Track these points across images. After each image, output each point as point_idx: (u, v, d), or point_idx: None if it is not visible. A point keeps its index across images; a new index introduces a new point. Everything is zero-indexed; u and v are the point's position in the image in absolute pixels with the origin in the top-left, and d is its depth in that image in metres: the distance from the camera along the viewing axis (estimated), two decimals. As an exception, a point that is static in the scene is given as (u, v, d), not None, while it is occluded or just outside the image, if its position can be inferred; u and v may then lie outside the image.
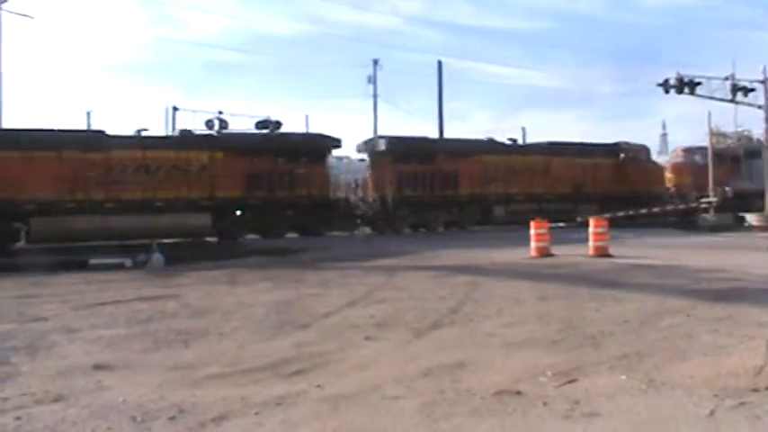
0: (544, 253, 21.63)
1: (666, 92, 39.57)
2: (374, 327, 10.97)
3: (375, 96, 61.63)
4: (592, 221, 22.27)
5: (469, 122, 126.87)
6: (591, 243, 21.61)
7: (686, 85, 39.20)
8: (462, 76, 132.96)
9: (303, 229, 32.21)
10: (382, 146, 36.03)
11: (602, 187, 40.14)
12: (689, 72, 39.86)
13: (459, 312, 12.09)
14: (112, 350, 9.70)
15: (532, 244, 21.98)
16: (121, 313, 12.70)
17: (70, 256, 23.41)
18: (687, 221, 38.17)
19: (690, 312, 11.62)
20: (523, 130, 46.33)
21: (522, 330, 10.50)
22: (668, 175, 45.41)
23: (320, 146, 33.42)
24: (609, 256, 20.93)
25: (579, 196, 39.31)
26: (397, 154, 35.45)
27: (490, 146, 38.93)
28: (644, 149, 43.95)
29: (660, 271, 17.56)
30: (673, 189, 44.17)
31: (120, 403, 7.03)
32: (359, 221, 34.52)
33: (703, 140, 42.78)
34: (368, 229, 34.08)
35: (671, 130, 72.34)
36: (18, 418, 6.62)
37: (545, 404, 6.76)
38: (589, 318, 11.34)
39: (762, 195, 39.96)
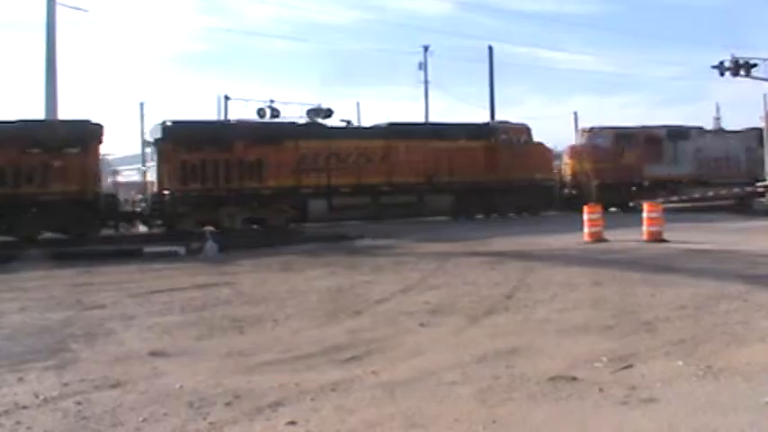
0: (597, 238, 21.47)
1: (722, 74, 38.85)
2: (428, 313, 10.97)
3: (426, 83, 61.57)
4: (646, 206, 22.02)
5: (522, 108, 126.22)
6: (645, 228, 21.39)
7: (742, 67, 38.45)
8: (514, 61, 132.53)
9: (64, 230, 27.50)
10: (159, 132, 30.26)
11: (464, 175, 34.23)
12: (744, 54, 39.14)
13: (514, 298, 12.05)
14: (168, 337, 9.82)
15: (586, 229, 21.82)
16: (176, 301, 12.85)
17: (125, 246, 23.71)
18: (742, 206, 37.07)
19: (747, 298, 11.46)
20: (575, 114, 45.57)
21: (577, 316, 10.44)
22: (566, 160, 40.31)
23: (82, 135, 28.08)
24: (663, 240, 20.69)
25: (430, 187, 33.54)
26: (180, 141, 29.78)
27: (309, 129, 33.27)
28: (524, 129, 37.55)
29: (716, 256, 17.33)
30: (569, 176, 39.42)
31: (176, 389, 7.12)
32: (129, 221, 30.51)
33: (754, 123, 41.23)
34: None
35: (725, 113, 71.16)
36: (78, 403, 6.74)
37: (601, 390, 6.72)
38: (644, 303, 11.24)
39: (688, 182, 38.73)
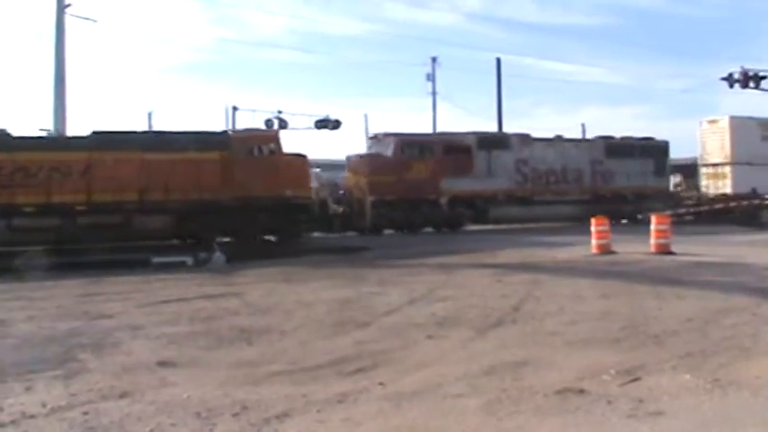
0: (605, 250, 21.42)
1: (731, 86, 38.72)
2: (435, 325, 10.96)
3: (434, 94, 61.72)
4: (654, 218, 21.99)
5: (530, 119, 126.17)
6: (653, 240, 21.35)
7: (751, 79, 38.33)
8: (523, 73, 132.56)
9: None
10: None
11: (187, 192, 27.51)
12: (753, 66, 39.04)
13: (521, 310, 12.03)
14: (176, 347, 9.83)
15: (593, 241, 21.78)
16: (184, 311, 12.85)
17: (133, 255, 23.72)
18: (750, 219, 36.41)
19: (755, 311, 11.44)
20: (583, 126, 45.40)
21: (585, 328, 10.42)
22: (346, 173, 35.03)
23: None
24: (671, 253, 20.66)
25: (141, 206, 27.04)
26: None
27: None
28: (270, 138, 31.12)
29: (724, 269, 17.28)
30: (342, 192, 33.68)
31: (184, 400, 7.13)
32: None
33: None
34: None
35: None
36: (86, 413, 6.75)
37: (609, 403, 6.71)
38: (652, 316, 11.22)
39: (504, 198, 35.18)
